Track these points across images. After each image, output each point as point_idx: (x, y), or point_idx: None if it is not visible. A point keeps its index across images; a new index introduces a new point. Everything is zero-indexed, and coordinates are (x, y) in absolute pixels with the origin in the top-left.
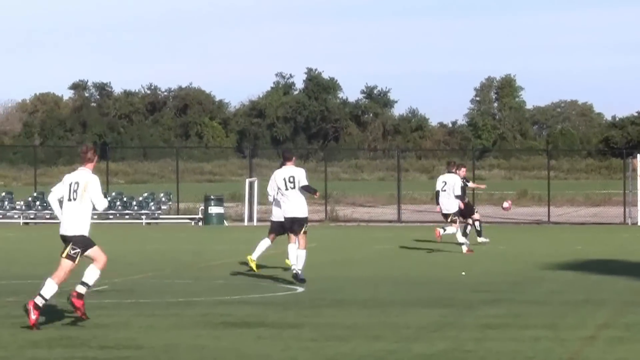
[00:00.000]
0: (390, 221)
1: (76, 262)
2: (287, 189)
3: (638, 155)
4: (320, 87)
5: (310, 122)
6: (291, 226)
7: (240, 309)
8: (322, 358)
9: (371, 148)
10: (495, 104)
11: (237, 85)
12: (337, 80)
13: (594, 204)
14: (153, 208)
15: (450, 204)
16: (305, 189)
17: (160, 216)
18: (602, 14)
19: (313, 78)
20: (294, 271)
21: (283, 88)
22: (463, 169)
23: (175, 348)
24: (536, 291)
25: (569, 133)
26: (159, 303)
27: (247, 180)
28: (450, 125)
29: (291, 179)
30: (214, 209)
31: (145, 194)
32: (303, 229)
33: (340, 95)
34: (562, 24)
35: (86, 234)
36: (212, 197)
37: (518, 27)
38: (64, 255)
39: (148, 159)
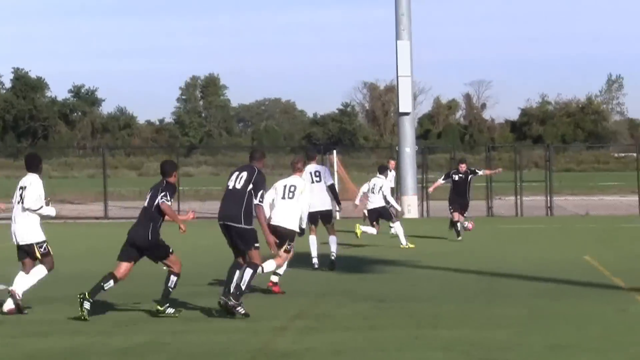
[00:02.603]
0: (97, 217)
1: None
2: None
3: (334, 151)
4: (27, 86)
5: (19, 120)
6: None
7: None
8: (20, 354)
9: (80, 146)
10: (201, 102)
11: None
12: (44, 79)
13: None
14: None
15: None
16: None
17: None
18: (304, 14)
19: (20, 77)
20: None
21: None
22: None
23: None
24: None
25: (272, 130)
26: None
27: None
28: (157, 123)
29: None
30: None
31: None
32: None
33: (49, 94)
34: (265, 23)
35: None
36: None
37: (220, 27)
38: (283, 249)
39: None
